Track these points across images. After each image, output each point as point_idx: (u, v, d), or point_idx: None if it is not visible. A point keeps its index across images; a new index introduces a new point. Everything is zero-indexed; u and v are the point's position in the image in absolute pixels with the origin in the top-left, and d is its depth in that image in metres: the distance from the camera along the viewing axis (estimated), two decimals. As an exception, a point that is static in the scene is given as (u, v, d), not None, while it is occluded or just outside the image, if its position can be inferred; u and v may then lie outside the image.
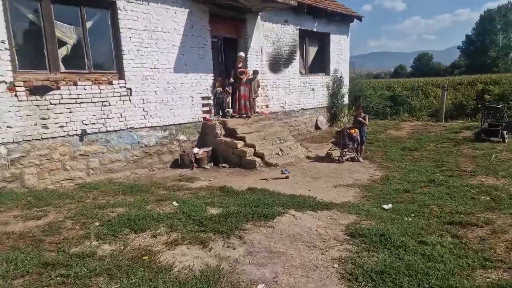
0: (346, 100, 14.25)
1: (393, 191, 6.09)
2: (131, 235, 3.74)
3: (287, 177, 7.19)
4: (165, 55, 7.91)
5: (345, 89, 13.97)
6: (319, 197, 5.77)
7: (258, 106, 10.49)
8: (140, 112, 7.57)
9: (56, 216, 4.27)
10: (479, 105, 11.90)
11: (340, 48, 13.63)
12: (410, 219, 4.79)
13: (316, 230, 4.15)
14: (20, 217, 4.28)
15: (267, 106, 10.90)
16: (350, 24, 14.06)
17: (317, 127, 13.08)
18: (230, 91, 10.00)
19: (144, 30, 7.47)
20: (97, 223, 3.99)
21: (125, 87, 7.25)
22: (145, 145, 7.77)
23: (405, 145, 10.00)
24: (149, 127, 7.80)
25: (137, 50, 7.39)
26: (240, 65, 9.21)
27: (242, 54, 9.33)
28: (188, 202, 5.03)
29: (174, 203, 4.96)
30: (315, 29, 12.30)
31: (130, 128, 7.43)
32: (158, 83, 7.85)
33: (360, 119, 8.50)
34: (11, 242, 3.51)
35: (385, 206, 5.28)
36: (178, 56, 8.19)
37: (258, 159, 8.14)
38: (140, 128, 7.63)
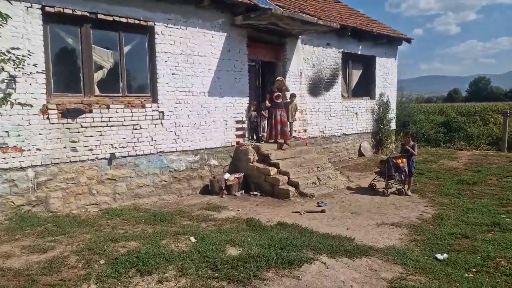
0: (393, 125, 13.24)
1: (448, 235, 5.15)
2: (135, 278, 3.34)
3: (323, 211, 6.49)
4: (200, 79, 7.79)
5: (392, 114, 13.00)
6: (358, 238, 5.03)
7: (295, 131, 9.97)
8: (171, 135, 7.42)
9: (63, 250, 4.03)
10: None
11: (387, 71, 12.82)
12: (471, 275, 3.90)
13: (351, 286, 3.45)
14: (27, 248, 4.09)
15: (305, 130, 10.34)
16: (398, 46, 13.26)
17: (360, 154, 12.19)
18: (266, 115, 9.64)
19: (181, 54, 7.43)
20: (102, 261, 3.66)
21: (157, 110, 7.17)
22: (175, 170, 7.55)
23: (461, 177, 8.81)
24: (179, 151, 7.60)
25: (172, 74, 7.33)
26: (276, 89, 8.68)
27: (280, 78, 8.87)
28: (208, 238, 4.57)
29: (192, 238, 4.53)
30: (359, 52, 11.69)
31: (160, 152, 7.28)
32: (191, 107, 7.69)
33: (409, 147, 7.61)
34: (3, 282, 3.26)
35: (438, 256, 4.40)
36: (214, 80, 8.03)
37: (292, 189, 7.54)
38: (170, 152, 7.45)
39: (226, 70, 8.24)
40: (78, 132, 6.11)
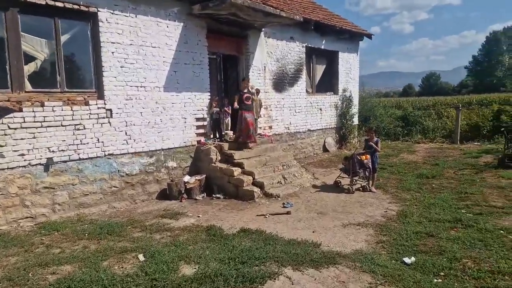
0: (356, 120, 13.29)
1: (413, 234, 5.01)
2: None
3: (288, 213, 6.16)
4: (154, 72, 7.11)
5: (354, 109, 13.03)
6: (325, 243, 4.75)
7: (260, 128, 9.58)
8: (121, 136, 6.71)
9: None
10: (502, 128, 10.80)
11: (349, 66, 12.79)
12: (439, 281, 3.73)
13: (319, 305, 3.11)
14: None
15: (270, 127, 9.98)
16: (360, 42, 13.28)
17: (325, 150, 12.09)
18: (229, 111, 9.15)
19: (130, 44, 6.70)
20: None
21: (104, 108, 6.41)
22: (127, 174, 6.85)
23: (421, 171, 8.93)
24: (132, 153, 6.91)
25: (121, 67, 6.60)
26: (245, 90, 8.09)
27: (247, 78, 8.45)
28: (159, 254, 4.04)
29: (140, 256, 3.98)
30: (322, 47, 11.51)
31: (108, 154, 6.55)
32: (144, 103, 7.01)
33: (372, 143, 7.50)
34: None
35: (406, 260, 4.20)
36: (170, 73, 7.38)
37: (256, 189, 7.15)
38: (121, 154, 6.73)
39: (184, 63, 7.62)
40: (5, 134, 5.23)
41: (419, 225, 5.34)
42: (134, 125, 6.88)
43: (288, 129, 10.54)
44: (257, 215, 6.14)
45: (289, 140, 10.61)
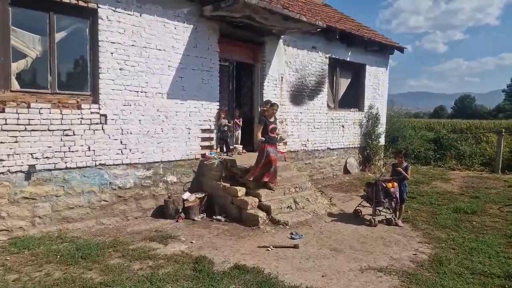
0: (382, 140, 12.14)
1: (453, 291, 3.94)
2: None
3: (295, 246, 5.21)
4: (157, 77, 6.48)
5: (381, 128, 11.91)
6: (336, 296, 3.77)
7: (273, 144, 8.71)
8: (116, 145, 6.06)
9: None
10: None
11: (377, 81, 11.76)
12: None
13: None
14: None
15: (285, 143, 9.07)
16: (390, 55, 12.25)
17: (346, 171, 11.01)
18: (241, 123, 8.38)
19: (132, 45, 6.12)
20: None
21: (98, 113, 5.81)
22: (119, 187, 6.16)
23: (458, 204, 7.68)
24: (126, 165, 6.23)
25: (120, 69, 6.01)
26: (272, 118, 6.76)
27: (277, 104, 7.03)
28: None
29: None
30: (348, 59, 10.59)
31: (100, 165, 5.90)
32: (144, 110, 6.36)
33: (401, 169, 6.43)
34: None
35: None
36: (175, 79, 6.73)
37: (262, 214, 6.24)
38: (114, 165, 6.07)
39: (192, 69, 6.96)
40: (-20, 137, 4.71)
41: (460, 279, 4.23)
42: (131, 133, 6.22)
43: (305, 146, 9.60)
44: (258, 246, 5.22)
45: (305, 158, 9.66)
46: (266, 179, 6.67)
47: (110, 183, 6.07)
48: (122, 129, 6.11)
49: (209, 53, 7.20)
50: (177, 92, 6.76)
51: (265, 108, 7.98)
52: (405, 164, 6.51)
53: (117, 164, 6.11)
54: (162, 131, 6.63)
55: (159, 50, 6.44)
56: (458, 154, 14.85)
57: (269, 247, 5.17)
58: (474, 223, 6.54)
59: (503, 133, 13.09)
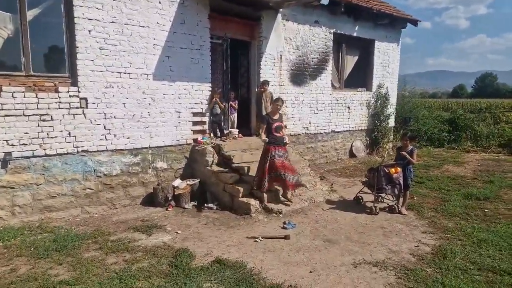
0: (392, 122, 11.49)
1: (457, 291, 3.51)
2: None
3: (286, 237, 4.84)
4: (141, 57, 6.06)
5: (391, 109, 11.24)
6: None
7: (272, 127, 8.25)
8: (99, 130, 5.74)
9: None
10: None
11: (388, 58, 11.00)
12: None
13: None
14: None
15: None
16: (402, 30, 11.39)
17: (352, 155, 10.49)
18: (236, 106, 7.94)
19: (112, 22, 5.68)
20: None
21: (77, 96, 5.47)
22: (104, 175, 5.88)
23: (470, 190, 7.12)
24: (111, 151, 5.93)
25: (100, 48, 5.61)
26: (276, 115, 6.00)
27: (281, 99, 6.15)
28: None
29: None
30: (355, 34, 9.87)
31: (82, 151, 5.61)
32: (128, 93, 5.99)
33: (405, 153, 5.88)
34: None
35: None
36: (161, 59, 6.30)
37: (254, 202, 5.88)
38: (98, 151, 5.78)
39: (180, 47, 6.50)
40: None
41: (464, 276, 3.78)
42: (115, 118, 5.88)
43: (307, 130, 9.10)
44: (247, 237, 4.88)
45: (307, 142, 9.18)
46: (276, 186, 6.02)
47: (94, 170, 5.79)
48: (105, 113, 5.77)
49: (199, 29, 6.70)
50: (164, 73, 6.34)
51: (262, 89, 7.53)
52: (410, 147, 5.96)
53: (101, 151, 5.81)
54: (149, 115, 6.26)
55: (143, 27, 5.99)
56: (474, 135, 14.01)
57: (257, 238, 4.82)
58: (486, 210, 6.01)
59: (524, 112, 12.18)
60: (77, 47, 5.39)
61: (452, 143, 13.58)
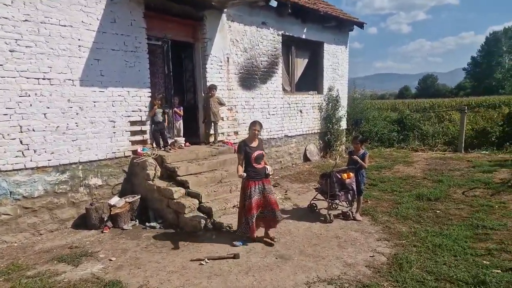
0: (344, 124, 11.53)
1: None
2: None
3: (235, 257, 4.38)
4: (64, 60, 5.29)
5: (342, 111, 11.27)
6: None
7: (223, 133, 7.79)
8: (13, 146, 4.89)
9: None
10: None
11: (337, 61, 11.03)
12: None
13: None
14: None
15: (236, 133, 8.19)
16: (350, 32, 11.51)
17: (306, 159, 10.33)
18: (181, 112, 7.37)
19: (26, 20, 4.89)
20: None
21: (-17, 107, 4.60)
22: (24, 197, 5.04)
23: (421, 190, 7.16)
24: (32, 169, 5.09)
25: (10, 51, 4.79)
26: (254, 143, 4.84)
27: (259, 122, 4.92)
28: None
29: None
30: (304, 36, 9.73)
31: (-8, 171, 4.73)
32: (50, 101, 5.19)
33: (357, 157, 5.70)
34: None
35: None
36: (89, 62, 5.57)
37: (201, 219, 5.34)
38: (13, 170, 4.92)
39: (111, 49, 5.81)
40: None
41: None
42: (33, 130, 5.06)
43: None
44: (191, 260, 4.35)
45: (261, 148, 8.81)
46: (261, 226, 4.92)
47: (11, 192, 4.92)
48: (20, 126, 4.94)
49: (133, 30, 6.06)
50: (93, 78, 5.62)
51: (210, 94, 7.05)
52: (362, 151, 5.78)
53: (18, 169, 4.96)
54: (77, 126, 5.50)
55: (64, 26, 5.24)
56: (421, 134, 14.65)
57: (203, 260, 4.30)
58: (437, 211, 6.00)
59: (465, 111, 12.88)
60: (-20, 48, 4.54)
61: (401, 142, 14.05)
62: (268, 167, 4.85)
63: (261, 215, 4.80)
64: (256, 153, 4.73)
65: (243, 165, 4.76)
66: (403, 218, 5.69)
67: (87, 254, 4.57)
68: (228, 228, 5.28)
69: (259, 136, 4.90)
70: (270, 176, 4.98)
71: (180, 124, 7.29)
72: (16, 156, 4.93)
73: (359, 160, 5.59)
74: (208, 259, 4.33)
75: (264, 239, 4.90)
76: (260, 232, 4.96)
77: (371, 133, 13.67)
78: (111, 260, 4.40)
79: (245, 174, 4.67)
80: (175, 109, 7.19)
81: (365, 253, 4.49)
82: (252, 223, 4.71)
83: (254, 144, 4.82)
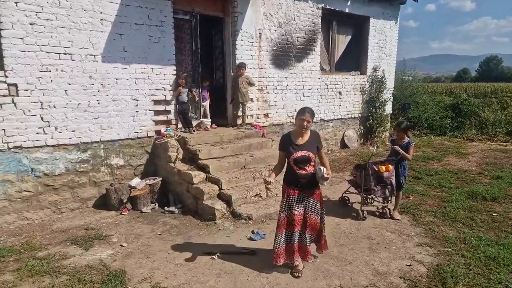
0: (389, 109, 10.51)
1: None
2: None
3: (252, 253, 4.00)
4: (86, 34, 5.09)
5: (388, 94, 10.24)
6: None
7: (251, 116, 7.33)
8: (34, 122, 4.84)
9: None
10: None
11: (384, 38, 9.92)
12: None
13: None
14: None
15: (266, 115, 7.68)
16: (401, 6, 10.26)
17: (344, 145, 9.58)
18: (208, 93, 7.00)
19: (46, -8, 4.70)
20: None
21: (5, 82, 4.56)
22: (45, 174, 5.02)
23: (475, 187, 6.22)
24: (53, 146, 5.04)
25: (31, 24, 4.65)
26: (301, 139, 3.44)
27: (309, 109, 3.44)
28: None
29: None
30: (347, 10, 8.78)
31: (14, 147, 4.73)
32: (71, 78, 5.05)
33: (398, 148, 4.91)
34: None
35: None
36: (112, 37, 5.32)
37: (220, 206, 5.01)
38: (35, 147, 4.89)
39: (135, 23, 5.51)
40: None
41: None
42: (54, 107, 4.97)
43: (293, 118, 8.15)
44: (203, 253, 4.03)
45: (293, 132, 8.24)
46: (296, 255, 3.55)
47: (32, 169, 4.92)
48: (41, 102, 4.85)
49: (159, 2, 5.69)
50: (115, 54, 5.38)
51: (238, 73, 6.58)
52: (406, 140, 5.00)
53: (39, 146, 4.93)
54: (98, 103, 5.34)
55: (86, -2, 5.00)
56: (479, 122, 13.00)
57: (215, 254, 3.96)
58: (494, 214, 5.11)
59: (534, 97, 11.15)
60: (1, 22, 4.43)
61: (455, 130, 12.60)
62: (323, 170, 3.36)
63: (293, 237, 3.52)
64: (298, 154, 3.39)
65: (283, 166, 3.59)
66: (451, 220, 4.91)
67: (101, 237, 4.44)
68: (247, 218, 4.90)
69: (310, 129, 3.48)
70: (326, 183, 3.52)
71: (207, 104, 6.93)
72: (37, 133, 4.88)
73: (401, 151, 4.84)
74: (221, 254, 3.98)
75: (291, 270, 3.60)
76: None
77: (420, 119, 12.40)
78: (122, 245, 4.23)
79: (271, 180, 3.45)
80: (202, 89, 6.82)
81: (401, 260, 3.87)
82: (277, 246, 3.52)
83: (300, 140, 3.44)
